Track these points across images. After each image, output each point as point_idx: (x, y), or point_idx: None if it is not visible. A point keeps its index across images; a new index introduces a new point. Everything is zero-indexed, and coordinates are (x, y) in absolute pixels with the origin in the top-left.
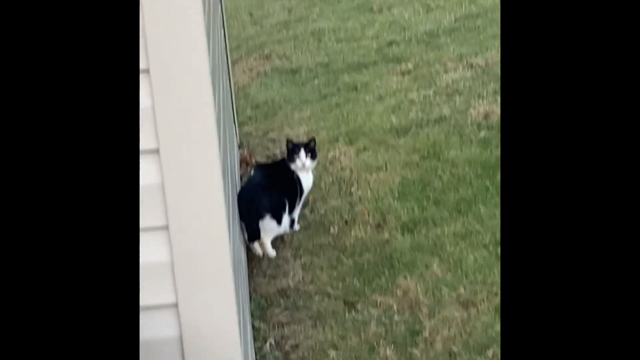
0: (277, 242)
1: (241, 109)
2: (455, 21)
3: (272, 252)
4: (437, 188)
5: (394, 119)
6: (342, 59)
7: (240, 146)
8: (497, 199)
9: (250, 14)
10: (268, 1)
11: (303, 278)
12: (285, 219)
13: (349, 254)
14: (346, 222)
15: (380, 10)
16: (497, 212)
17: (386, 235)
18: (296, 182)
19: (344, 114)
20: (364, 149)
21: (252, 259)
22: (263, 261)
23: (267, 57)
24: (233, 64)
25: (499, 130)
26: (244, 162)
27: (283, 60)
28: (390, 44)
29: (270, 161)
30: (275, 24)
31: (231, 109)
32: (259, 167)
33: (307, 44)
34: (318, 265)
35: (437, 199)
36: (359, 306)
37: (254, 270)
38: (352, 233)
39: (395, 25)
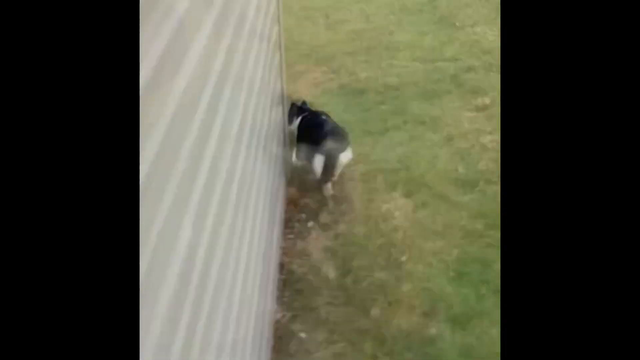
0: (314, 318)
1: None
2: None
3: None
4: (499, 271)
5: (460, 168)
6: (414, 84)
7: (289, 181)
8: None
9: (327, 16)
10: (346, 3)
11: None
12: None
13: (388, 350)
14: (390, 303)
15: (463, 27)
16: None
17: (433, 330)
18: None
19: (407, 155)
20: (423, 205)
21: (281, 336)
22: (294, 339)
23: (336, 72)
24: (299, 75)
25: None
26: (291, 203)
27: (352, 77)
28: (468, 69)
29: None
30: (350, 32)
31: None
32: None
33: (380, 60)
34: None
35: (499, 286)
36: None
37: (278, 346)
38: (395, 320)
39: (476, 46)
